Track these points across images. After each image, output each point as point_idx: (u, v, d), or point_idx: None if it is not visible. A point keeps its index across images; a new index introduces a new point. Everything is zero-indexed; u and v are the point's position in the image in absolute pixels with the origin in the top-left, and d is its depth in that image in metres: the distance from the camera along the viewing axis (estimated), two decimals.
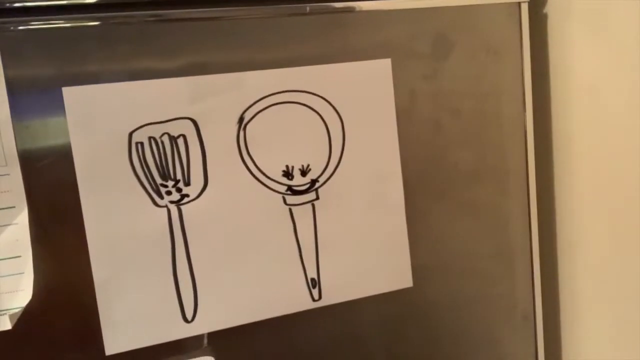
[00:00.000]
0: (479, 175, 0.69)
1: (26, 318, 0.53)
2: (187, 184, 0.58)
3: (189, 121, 0.57)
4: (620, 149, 0.64)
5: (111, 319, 0.56)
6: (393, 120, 0.64)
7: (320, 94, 0.61)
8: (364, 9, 0.63)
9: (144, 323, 0.57)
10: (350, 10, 0.62)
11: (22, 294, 0.53)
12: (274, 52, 0.60)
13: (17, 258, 0.53)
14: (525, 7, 0.68)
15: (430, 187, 0.67)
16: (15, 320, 0.52)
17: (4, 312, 0.52)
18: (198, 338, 0.59)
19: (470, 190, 0.69)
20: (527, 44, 0.68)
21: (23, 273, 0.53)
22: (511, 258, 0.72)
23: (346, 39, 0.62)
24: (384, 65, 0.63)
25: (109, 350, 0.56)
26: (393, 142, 0.64)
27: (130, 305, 0.57)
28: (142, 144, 0.56)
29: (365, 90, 0.63)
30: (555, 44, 0.71)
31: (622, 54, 0.63)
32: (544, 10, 0.71)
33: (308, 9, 0.61)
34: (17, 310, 0.53)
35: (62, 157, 0.54)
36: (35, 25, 0.53)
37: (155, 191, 0.57)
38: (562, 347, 0.78)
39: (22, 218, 0.53)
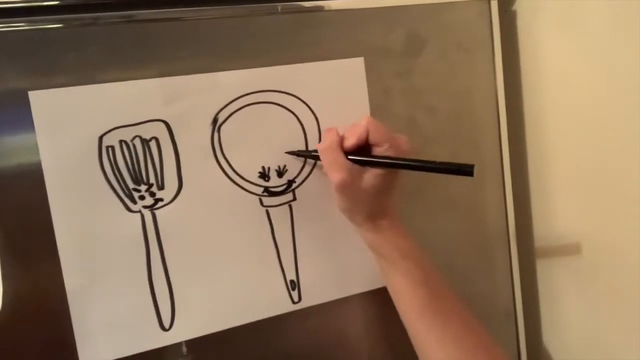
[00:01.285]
0: None
1: None
2: (161, 187, 0.57)
3: (161, 123, 0.56)
4: (591, 139, 0.65)
5: (85, 329, 0.54)
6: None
7: (295, 94, 0.61)
8: (333, 7, 0.63)
9: (120, 333, 0.56)
10: (320, 9, 0.62)
11: None
12: (247, 52, 0.59)
13: None
14: (495, 5, 0.69)
15: (406, 184, 0.66)
16: None
17: None
18: (177, 346, 0.58)
19: (447, 187, 0.69)
20: (497, 40, 0.69)
21: None
22: (490, 254, 0.72)
23: (319, 38, 0.62)
24: (357, 64, 0.63)
25: None
26: None
27: (105, 314, 0.55)
28: (113, 147, 0.55)
29: (339, 88, 0.63)
30: (525, 39, 0.72)
31: (590, 47, 0.64)
32: (513, 8, 0.72)
33: (279, 8, 0.60)
34: None
35: (30, 162, 0.52)
36: (4, 27, 0.51)
37: (127, 196, 0.55)
38: (543, 342, 0.79)
39: None
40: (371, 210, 0.57)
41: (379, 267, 0.60)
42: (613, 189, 0.63)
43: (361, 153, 0.56)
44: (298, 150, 0.61)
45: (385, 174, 0.55)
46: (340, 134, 0.58)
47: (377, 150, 0.56)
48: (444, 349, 0.55)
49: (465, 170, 0.50)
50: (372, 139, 0.56)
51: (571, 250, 0.71)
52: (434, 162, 0.53)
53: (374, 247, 0.59)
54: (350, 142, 0.56)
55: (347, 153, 0.56)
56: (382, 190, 0.56)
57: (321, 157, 0.57)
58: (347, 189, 0.56)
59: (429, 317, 0.56)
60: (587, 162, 0.67)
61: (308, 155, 0.61)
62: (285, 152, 0.61)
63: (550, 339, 0.77)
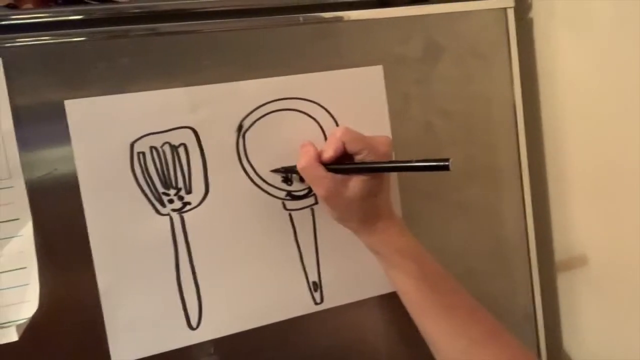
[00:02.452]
0: (473, 175, 0.70)
1: (32, 329, 0.53)
2: (189, 192, 0.59)
3: (189, 130, 0.58)
4: (610, 143, 0.66)
5: (117, 327, 0.57)
6: (387, 123, 0.65)
7: (316, 101, 0.63)
8: (352, 18, 0.65)
9: (149, 331, 0.58)
10: (340, 19, 0.64)
11: (27, 305, 0.54)
12: (269, 61, 0.61)
13: (23, 269, 0.54)
14: (511, 13, 0.71)
15: (424, 188, 0.68)
16: (21, 332, 0.53)
17: (11, 323, 0.53)
18: (204, 345, 0.60)
19: (465, 190, 0.70)
20: (514, 47, 0.71)
21: (28, 284, 0.54)
22: (508, 257, 0.73)
23: (339, 47, 0.64)
24: (376, 72, 0.65)
25: (116, 359, 0.57)
26: None
27: (136, 313, 0.57)
28: (143, 153, 0.57)
29: (359, 96, 0.65)
30: (541, 46, 0.73)
31: (606, 53, 0.65)
32: (530, 15, 0.74)
33: (302, 19, 0.62)
34: (23, 322, 0.53)
35: (65, 169, 0.55)
36: (36, 40, 0.54)
37: (157, 200, 0.58)
38: (563, 345, 0.79)
39: (27, 230, 0.54)
40: (363, 214, 0.58)
41: (381, 267, 0.61)
42: (631, 191, 0.64)
43: (342, 161, 0.57)
44: (281, 168, 0.62)
45: (369, 178, 0.56)
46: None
47: (357, 158, 0.57)
48: (454, 342, 0.56)
49: (441, 165, 0.50)
50: (349, 148, 0.57)
51: (590, 253, 0.72)
52: (410, 161, 0.53)
53: (373, 249, 0.60)
54: (328, 154, 0.57)
55: (327, 164, 0.57)
56: (370, 194, 0.57)
57: (302, 175, 0.58)
58: (334, 199, 0.57)
59: (434, 312, 0.57)
60: (606, 166, 0.67)
61: (292, 171, 0.61)
62: (270, 171, 0.62)
63: (570, 342, 0.78)
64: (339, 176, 0.56)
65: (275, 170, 0.62)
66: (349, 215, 0.59)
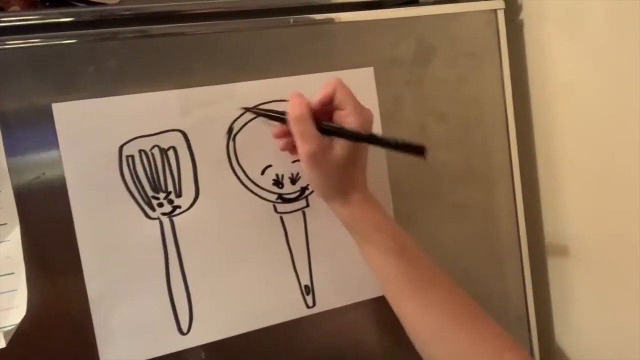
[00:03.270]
0: (466, 177, 0.70)
1: (20, 335, 0.52)
2: (179, 195, 0.58)
3: (178, 133, 0.58)
4: (601, 144, 0.66)
5: (106, 333, 0.56)
6: (378, 125, 0.65)
7: None
8: (343, 20, 0.64)
9: (139, 337, 0.57)
10: (331, 21, 0.64)
11: (15, 311, 0.53)
12: (260, 63, 0.61)
13: (10, 275, 0.53)
14: (501, 14, 0.71)
15: (417, 190, 0.68)
16: (9, 338, 0.52)
17: None
18: (195, 350, 0.59)
19: (458, 193, 0.70)
20: (505, 48, 0.71)
21: (16, 290, 0.53)
22: (501, 258, 0.73)
23: (330, 49, 0.64)
24: (366, 74, 0.65)
25: None
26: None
27: (125, 318, 0.57)
28: (132, 157, 0.56)
29: None
30: (531, 47, 0.73)
31: (596, 53, 0.65)
32: (520, 17, 0.74)
33: (292, 21, 0.62)
34: (11, 328, 0.52)
35: (53, 173, 0.54)
36: (24, 43, 0.53)
37: (147, 203, 0.57)
38: (555, 345, 0.79)
39: (14, 235, 0.53)
40: (342, 183, 0.57)
41: (356, 244, 0.59)
42: (622, 191, 0.64)
43: (330, 124, 0.56)
44: (258, 107, 0.60)
45: (353, 145, 0.55)
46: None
47: (340, 114, 0.56)
48: (429, 320, 0.55)
49: (418, 148, 0.53)
50: (338, 99, 0.56)
51: (582, 252, 0.72)
52: (396, 139, 0.55)
53: (348, 222, 0.59)
54: (317, 98, 0.56)
55: (317, 123, 0.55)
56: (351, 162, 0.56)
57: (291, 127, 0.55)
58: (318, 159, 0.55)
59: (410, 289, 0.56)
60: (595, 165, 0.67)
61: (272, 116, 0.59)
62: (242, 108, 0.60)
63: (563, 341, 0.78)
64: (325, 137, 0.55)
65: (259, 112, 0.60)
66: (328, 181, 0.57)
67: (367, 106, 0.64)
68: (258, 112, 0.60)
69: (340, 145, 0.55)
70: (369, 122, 0.56)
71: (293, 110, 0.55)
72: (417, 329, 0.56)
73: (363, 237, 0.58)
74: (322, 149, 0.54)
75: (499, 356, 0.53)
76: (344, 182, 0.57)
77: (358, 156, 0.57)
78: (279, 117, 0.58)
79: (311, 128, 0.55)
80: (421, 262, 0.57)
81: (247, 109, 0.60)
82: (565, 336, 0.77)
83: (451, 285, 0.57)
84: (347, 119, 0.55)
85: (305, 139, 0.54)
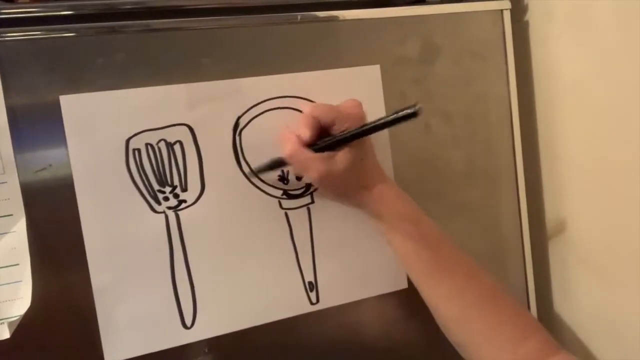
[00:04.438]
0: (470, 176, 0.70)
1: (25, 326, 0.52)
2: (184, 189, 0.58)
3: (185, 127, 0.58)
4: (606, 144, 0.66)
5: (110, 326, 0.56)
6: None
7: (313, 99, 0.62)
8: (347, 17, 0.64)
9: (143, 330, 0.57)
10: (338, 19, 0.64)
11: (20, 302, 0.53)
12: (267, 59, 0.61)
13: (15, 266, 0.53)
14: (507, 15, 0.71)
15: (422, 188, 0.68)
16: (13, 329, 0.52)
17: (2, 320, 0.52)
18: (198, 344, 0.59)
19: (462, 191, 0.70)
20: (510, 48, 0.71)
21: (21, 281, 0.53)
22: (504, 257, 0.73)
23: (337, 46, 0.64)
24: (373, 71, 0.65)
25: (109, 358, 0.56)
26: (385, 145, 0.66)
27: (129, 312, 0.57)
28: (139, 150, 0.57)
29: (356, 95, 0.63)
30: (537, 47, 0.73)
31: (601, 54, 0.65)
32: (526, 17, 0.74)
33: (299, 17, 0.62)
34: (15, 319, 0.52)
35: (60, 165, 0.54)
36: (32, 35, 0.54)
37: (152, 197, 0.57)
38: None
39: (20, 226, 0.53)
40: (357, 182, 0.58)
41: (381, 233, 0.60)
42: (627, 191, 0.64)
43: (320, 141, 0.57)
44: (260, 166, 0.61)
45: (352, 146, 0.56)
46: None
47: (333, 129, 0.57)
48: (451, 305, 0.57)
49: (410, 113, 0.51)
50: (323, 121, 0.56)
51: (585, 252, 0.72)
52: (382, 118, 0.54)
53: (372, 214, 0.60)
54: (307, 135, 0.56)
55: (310, 145, 0.56)
56: (359, 161, 0.57)
57: (291, 163, 0.57)
58: (328, 178, 0.56)
59: (433, 276, 0.58)
60: (599, 164, 0.68)
61: (276, 165, 0.60)
62: (255, 169, 0.61)
63: (566, 339, 0.78)
64: (325, 154, 0.56)
65: (261, 170, 0.61)
66: (346, 188, 0.58)
67: (373, 104, 0.65)
68: (260, 170, 0.61)
69: (341, 154, 0.56)
70: (362, 118, 0.57)
71: (285, 148, 0.57)
72: (440, 315, 0.58)
73: (387, 226, 0.59)
74: (326, 167, 0.56)
75: (521, 343, 0.55)
76: (360, 179, 0.58)
77: (364, 153, 0.58)
78: (280, 163, 0.59)
79: (308, 154, 0.56)
80: (443, 249, 0.59)
81: (251, 170, 0.61)
82: (568, 334, 0.77)
83: (473, 270, 0.59)
84: (341, 127, 0.56)
85: (307, 168, 0.56)
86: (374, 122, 0.54)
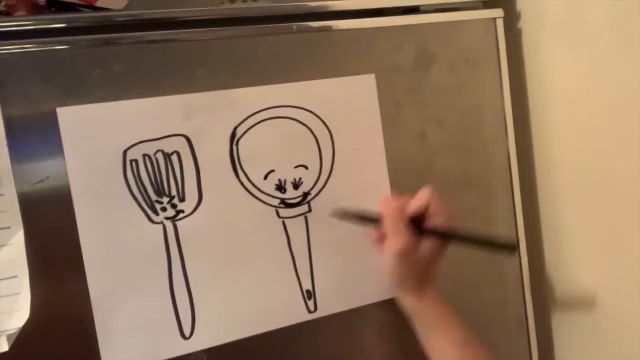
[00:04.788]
0: (465, 183, 0.71)
1: (23, 338, 0.52)
2: (182, 199, 0.59)
3: (182, 138, 0.58)
4: (599, 150, 0.67)
5: (109, 337, 0.56)
6: (379, 131, 0.66)
7: (309, 109, 0.63)
8: (341, 27, 0.65)
9: (142, 341, 0.57)
10: (332, 28, 0.65)
11: (18, 315, 0.53)
12: (263, 69, 0.62)
13: (14, 278, 0.53)
14: (500, 23, 0.72)
15: None
16: (12, 341, 0.52)
17: (1, 333, 0.52)
18: (197, 354, 0.59)
19: (458, 198, 0.70)
20: (504, 56, 0.72)
21: (19, 293, 0.53)
22: (500, 264, 0.73)
23: (332, 55, 0.65)
24: (368, 80, 0.66)
25: None
26: (380, 153, 0.66)
27: (128, 323, 0.57)
28: (136, 161, 0.57)
29: (351, 104, 0.65)
30: (530, 55, 0.74)
31: (594, 62, 0.66)
32: (519, 25, 0.75)
33: (294, 27, 0.63)
34: (14, 331, 0.52)
35: (57, 176, 0.54)
36: (29, 47, 0.54)
37: (150, 207, 0.57)
38: (555, 353, 0.79)
39: (18, 238, 0.53)
40: (420, 278, 0.61)
41: (418, 328, 0.63)
42: (620, 196, 0.65)
43: (418, 223, 0.60)
44: (355, 212, 0.63)
45: (438, 244, 0.59)
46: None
47: (434, 222, 0.60)
48: None
49: (508, 247, 0.58)
50: (432, 209, 0.60)
51: (581, 259, 0.72)
52: (483, 238, 0.60)
53: (418, 313, 0.62)
54: (411, 209, 0.60)
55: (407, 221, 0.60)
56: (433, 260, 0.60)
57: (385, 222, 0.60)
58: (405, 256, 0.59)
59: None
60: (595, 171, 0.68)
61: (366, 218, 0.62)
62: (333, 214, 0.63)
63: (562, 351, 0.78)
64: (414, 236, 0.59)
65: (344, 215, 0.63)
66: (409, 274, 0.60)
67: (368, 113, 0.65)
68: (355, 215, 0.63)
69: (427, 245, 0.59)
70: (454, 224, 0.60)
71: (387, 208, 0.60)
72: None
73: (431, 327, 0.62)
74: (411, 246, 0.58)
75: None
76: (423, 278, 0.61)
77: (440, 253, 0.61)
78: (372, 218, 0.62)
79: (402, 225, 0.59)
80: (475, 348, 0.60)
81: (341, 213, 0.63)
82: (567, 340, 0.78)
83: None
84: (437, 224, 0.59)
85: (396, 236, 0.59)
86: (471, 234, 0.59)
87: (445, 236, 0.59)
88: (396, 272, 0.60)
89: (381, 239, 0.62)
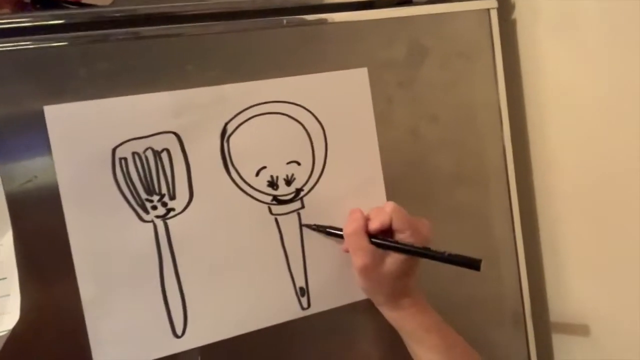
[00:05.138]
0: (460, 179, 0.70)
1: (14, 341, 0.52)
2: (173, 197, 0.58)
3: (172, 135, 0.58)
4: (595, 143, 0.66)
5: (100, 337, 0.55)
6: (372, 127, 0.65)
7: (301, 104, 0.62)
8: (336, 20, 0.64)
9: (134, 340, 0.57)
10: (324, 22, 0.64)
11: (8, 317, 0.52)
12: (253, 64, 0.61)
13: (3, 280, 0.52)
14: (494, 14, 0.71)
15: (412, 191, 0.68)
16: (2, 344, 0.51)
17: None
18: (190, 353, 0.59)
19: (453, 194, 0.70)
20: (498, 48, 0.71)
21: (9, 295, 0.52)
22: (497, 260, 0.73)
23: (323, 50, 0.64)
24: (360, 74, 0.65)
25: None
26: (374, 148, 0.65)
27: (119, 322, 0.56)
28: (125, 159, 0.56)
29: (344, 98, 0.64)
30: (525, 47, 0.73)
31: (589, 53, 0.65)
32: (513, 16, 0.74)
33: (285, 21, 0.62)
34: (4, 333, 0.52)
35: (46, 176, 0.54)
36: (14, 46, 0.53)
37: (140, 206, 0.57)
38: (553, 349, 0.79)
39: (7, 240, 0.53)
40: (392, 291, 0.60)
41: (404, 341, 0.62)
42: (617, 190, 0.64)
43: (384, 237, 0.59)
44: (318, 226, 0.63)
45: (406, 259, 0.58)
46: (365, 214, 0.61)
47: (400, 237, 0.59)
48: None
49: (473, 264, 0.55)
50: (396, 225, 0.59)
51: (579, 253, 0.72)
52: (448, 256, 0.57)
53: (397, 324, 0.62)
54: (374, 226, 0.59)
55: (370, 236, 0.59)
56: (403, 274, 0.59)
57: (346, 241, 0.60)
58: (369, 272, 0.58)
59: None
60: (591, 165, 0.68)
61: (332, 233, 0.62)
62: (304, 225, 0.63)
63: (560, 346, 0.78)
64: (379, 250, 0.58)
65: (315, 228, 0.63)
66: (379, 289, 0.60)
67: (361, 107, 0.65)
68: (318, 229, 0.63)
69: (393, 259, 0.58)
70: (426, 239, 0.59)
71: (348, 225, 0.60)
72: None
73: (412, 337, 0.61)
74: (374, 262, 0.58)
75: None
76: (396, 291, 0.60)
77: (412, 267, 0.60)
78: (337, 234, 0.62)
79: (364, 242, 0.59)
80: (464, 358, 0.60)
81: (307, 226, 0.63)
82: (563, 336, 0.77)
83: None
84: (406, 239, 0.58)
85: (358, 253, 0.58)
86: (438, 252, 0.57)
87: (407, 252, 0.58)
88: (364, 286, 0.60)
89: (348, 251, 0.61)
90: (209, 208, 0.59)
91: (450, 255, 0.56)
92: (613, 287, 0.68)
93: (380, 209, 0.60)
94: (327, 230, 0.62)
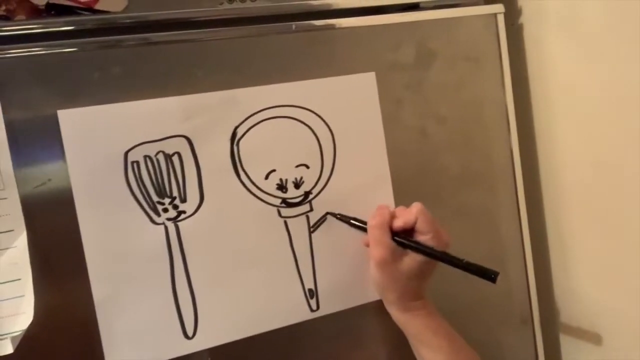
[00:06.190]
0: (467, 180, 0.71)
1: (28, 341, 0.53)
2: (184, 200, 0.59)
3: (183, 139, 0.58)
4: (602, 144, 0.67)
5: (112, 338, 0.56)
6: (380, 130, 0.66)
7: (310, 108, 0.63)
8: (344, 25, 0.65)
9: (145, 341, 0.58)
10: (332, 27, 0.65)
11: (23, 317, 0.53)
12: (263, 69, 0.62)
13: (17, 281, 0.53)
14: (501, 18, 0.71)
15: (420, 193, 0.68)
16: (17, 344, 0.52)
17: (6, 335, 0.52)
18: (201, 354, 0.59)
19: (460, 195, 0.70)
20: (505, 51, 0.71)
21: (23, 296, 0.53)
22: (504, 260, 0.73)
23: (332, 54, 0.65)
24: (368, 78, 0.66)
25: None
26: (381, 151, 0.66)
27: (131, 323, 0.57)
28: (137, 162, 0.57)
29: (352, 102, 0.65)
30: (531, 50, 0.74)
31: (595, 56, 0.65)
32: (520, 21, 0.74)
33: (294, 27, 0.63)
34: (18, 334, 0.52)
35: (59, 179, 0.55)
36: (29, 51, 0.54)
37: (152, 209, 0.58)
38: (561, 348, 0.79)
39: (21, 241, 0.53)
40: (404, 290, 0.60)
41: (410, 344, 0.63)
42: (624, 191, 0.64)
43: (405, 236, 0.60)
44: (342, 215, 0.63)
45: (424, 261, 0.59)
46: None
47: (421, 238, 0.59)
48: None
49: (490, 276, 0.57)
50: (420, 226, 0.59)
51: (585, 252, 0.72)
52: (467, 263, 0.58)
53: (404, 326, 0.62)
54: (398, 224, 0.60)
55: (393, 234, 0.60)
56: (418, 275, 0.60)
57: (369, 233, 0.60)
58: (387, 266, 0.59)
59: None
60: (598, 167, 0.68)
61: (356, 225, 0.63)
62: (329, 213, 0.63)
63: (568, 344, 0.78)
64: (398, 248, 0.59)
65: (340, 218, 0.63)
66: (392, 285, 0.60)
67: (369, 111, 0.65)
68: (342, 219, 0.63)
69: (410, 259, 0.59)
70: (447, 245, 0.60)
71: (373, 218, 0.61)
72: None
73: (418, 340, 0.62)
74: (393, 257, 0.59)
75: None
76: (407, 290, 0.61)
77: (427, 269, 0.60)
78: (361, 226, 0.62)
79: (386, 237, 0.59)
80: None
81: (331, 214, 0.64)
82: (571, 335, 0.77)
83: None
84: (427, 242, 0.59)
85: (378, 246, 0.59)
86: (456, 258, 0.58)
87: (426, 254, 0.59)
88: (378, 281, 0.61)
89: (368, 245, 0.62)
90: (219, 210, 0.60)
91: (468, 263, 0.57)
92: (621, 288, 0.68)
93: (407, 209, 0.61)
94: (351, 221, 0.63)
